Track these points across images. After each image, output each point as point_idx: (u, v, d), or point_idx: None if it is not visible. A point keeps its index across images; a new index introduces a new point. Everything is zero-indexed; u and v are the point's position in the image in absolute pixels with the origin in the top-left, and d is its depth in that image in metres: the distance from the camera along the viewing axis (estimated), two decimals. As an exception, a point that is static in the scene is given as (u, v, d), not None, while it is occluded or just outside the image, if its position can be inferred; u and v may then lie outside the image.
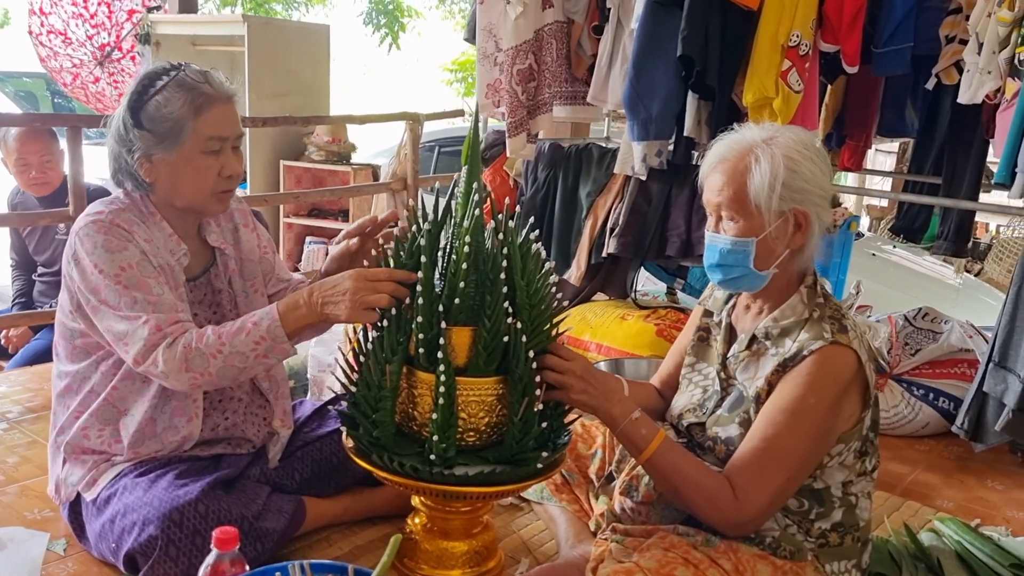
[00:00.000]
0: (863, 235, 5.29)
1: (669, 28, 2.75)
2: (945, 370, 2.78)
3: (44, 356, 3.10)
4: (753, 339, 1.59)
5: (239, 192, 1.87)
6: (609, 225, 3.27)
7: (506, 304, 1.49)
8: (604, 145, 3.50)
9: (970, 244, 3.91)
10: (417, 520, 1.70)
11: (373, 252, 1.72)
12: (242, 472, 1.83)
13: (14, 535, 1.85)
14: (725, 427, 1.58)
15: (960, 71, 2.54)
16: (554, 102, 3.33)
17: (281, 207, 5.55)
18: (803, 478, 1.50)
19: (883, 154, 7.63)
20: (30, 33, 6.17)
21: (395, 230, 1.64)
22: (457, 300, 1.49)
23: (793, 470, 1.46)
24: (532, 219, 1.65)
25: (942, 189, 3.44)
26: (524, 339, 1.49)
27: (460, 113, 5.69)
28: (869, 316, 3.09)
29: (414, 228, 1.58)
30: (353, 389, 1.61)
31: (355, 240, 1.83)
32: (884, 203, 7.27)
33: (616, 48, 3.10)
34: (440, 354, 1.47)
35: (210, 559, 1.23)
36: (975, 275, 5.21)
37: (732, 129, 1.59)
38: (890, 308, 3.17)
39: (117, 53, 6.11)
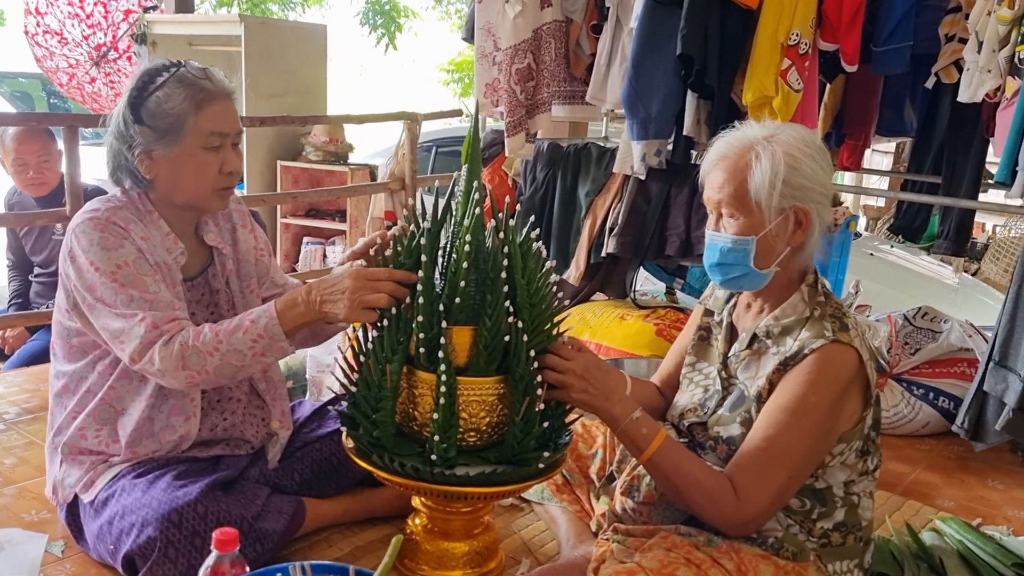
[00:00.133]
0: (860, 235, 5.30)
1: (668, 27, 2.75)
2: (945, 369, 2.78)
3: (41, 357, 3.09)
4: (754, 338, 1.59)
5: (236, 192, 1.86)
6: (608, 225, 3.26)
7: (507, 303, 1.49)
8: (603, 144, 3.49)
9: (968, 244, 3.91)
10: (418, 521, 1.70)
11: (372, 252, 1.71)
12: (241, 473, 1.82)
13: (12, 537, 1.84)
14: (726, 427, 1.57)
15: (960, 70, 2.54)
16: (553, 101, 3.32)
17: (278, 207, 5.53)
18: (805, 477, 1.49)
19: (880, 154, 7.64)
20: (26, 33, 6.16)
21: (395, 230, 1.63)
22: (458, 299, 1.49)
23: (794, 469, 1.46)
24: (531, 218, 1.64)
25: (942, 188, 3.44)
26: (525, 338, 1.49)
27: (458, 113, 5.68)
28: (868, 315, 3.09)
29: (413, 227, 1.57)
30: (353, 389, 1.60)
31: (360, 262, 1.78)
32: (881, 203, 7.28)
33: (615, 47, 3.09)
34: (441, 354, 1.46)
35: (210, 560, 1.23)
36: (972, 275, 5.22)
37: (733, 127, 1.58)
38: (888, 308, 3.18)
39: (113, 53, 6.10)
